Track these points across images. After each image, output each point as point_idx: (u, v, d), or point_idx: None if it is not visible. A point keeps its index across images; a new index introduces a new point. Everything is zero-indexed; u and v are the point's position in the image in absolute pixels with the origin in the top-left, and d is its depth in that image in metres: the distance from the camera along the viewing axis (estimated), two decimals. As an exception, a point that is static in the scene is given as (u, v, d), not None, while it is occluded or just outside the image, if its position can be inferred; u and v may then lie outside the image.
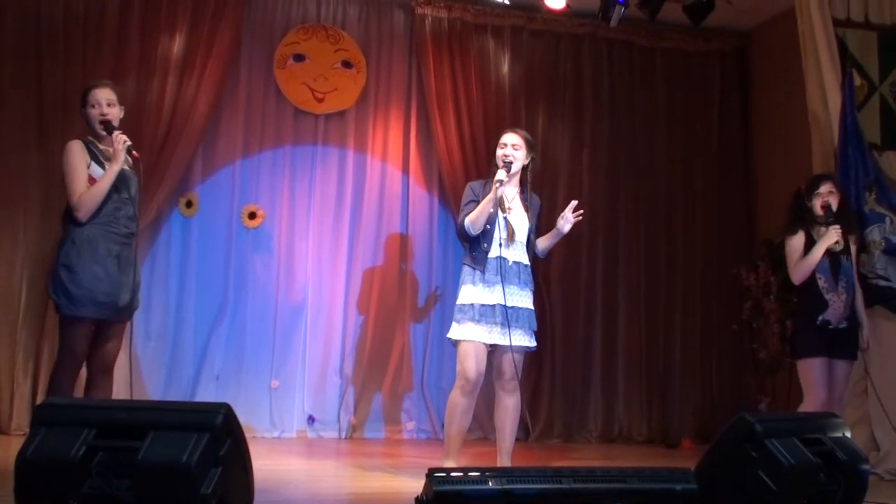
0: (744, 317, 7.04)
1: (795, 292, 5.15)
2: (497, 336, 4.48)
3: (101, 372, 4.20)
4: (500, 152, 4.62)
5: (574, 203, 4.61)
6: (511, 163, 4.57)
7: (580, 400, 7.24)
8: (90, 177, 4.14)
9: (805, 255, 4.83)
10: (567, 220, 4.60)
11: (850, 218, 5.06)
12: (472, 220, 4.51)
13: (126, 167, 4.22)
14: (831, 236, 4.76)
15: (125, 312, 4.21)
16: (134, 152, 4.22)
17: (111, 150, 4.20)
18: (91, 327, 4.12)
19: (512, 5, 6.89)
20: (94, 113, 4.22)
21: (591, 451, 6.59)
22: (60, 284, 4.05)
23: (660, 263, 7.57)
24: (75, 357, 4.10)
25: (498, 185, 4.46)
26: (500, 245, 4.52)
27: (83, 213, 4.07)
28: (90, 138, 4.25)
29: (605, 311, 7.41)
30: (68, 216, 4.15)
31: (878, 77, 5.87)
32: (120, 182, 4.17)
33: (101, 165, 4.15)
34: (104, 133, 4.21)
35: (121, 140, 4.13)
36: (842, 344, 4.82)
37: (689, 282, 7.59)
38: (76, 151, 4.15)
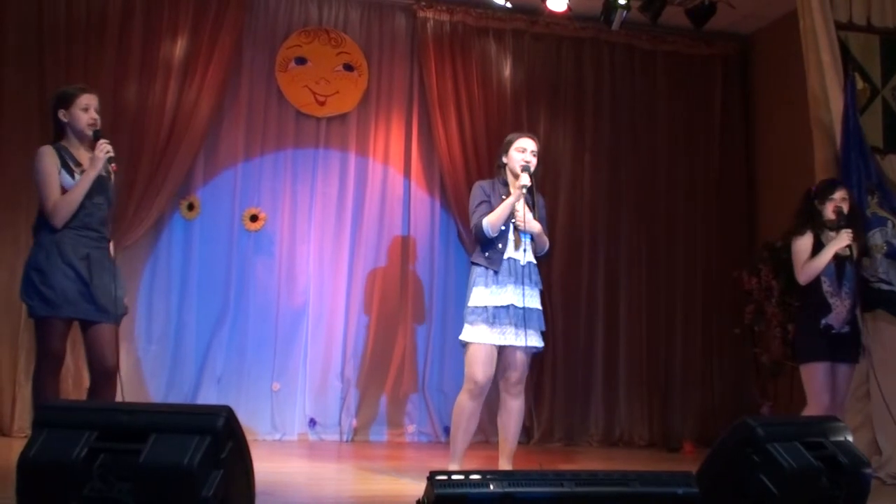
0: (746, 320, 7.02)
1: (798, 296, 5.13)
2: (510, 337, 4.47)
3: (102, 376, 4.15)
4: (519, 157, 4.59)
5: None
6: (529, 167, 4.57)
7: (581, 403, 7.24)
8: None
9: (812, 257, 4.82)
10: None
11: (859, 225, 5.04)
12: (492, 222, 4.49)
13: (103, 172, 4.17)
14: (843, 239, 4.74)
15: (108, 314, 4.12)
16: (113, 164, 4.17)
17: (84, 154, 4.17)
18: (66, 327, 4.09)
19: (514, 8, 6.89)
20: (84, 117, 4.15)
21: (592, 455, 6.58)
22: (33, 287, 4.02)
23: (661, 267, 7.56)
24: (54, 357, 4.06)
25: (523, 189, 4.48)
26: (513, 246, 4.54)
27: (58, 220, 4.03)
28: (62, 143, 4.18)
29: (606, 314, 7.40)
30: (40, 222, 4.11)
31: (880, 80, 5.85)
32: (92, 186, 4.11)
33: (70, 172, 4.09)
34: (91, 138, 4.16)
35: (104, 149, 4.09)
36: (844, 348, 4.81)
37: (690, 285, 7.58)
38: (48, 157, 4.08)
